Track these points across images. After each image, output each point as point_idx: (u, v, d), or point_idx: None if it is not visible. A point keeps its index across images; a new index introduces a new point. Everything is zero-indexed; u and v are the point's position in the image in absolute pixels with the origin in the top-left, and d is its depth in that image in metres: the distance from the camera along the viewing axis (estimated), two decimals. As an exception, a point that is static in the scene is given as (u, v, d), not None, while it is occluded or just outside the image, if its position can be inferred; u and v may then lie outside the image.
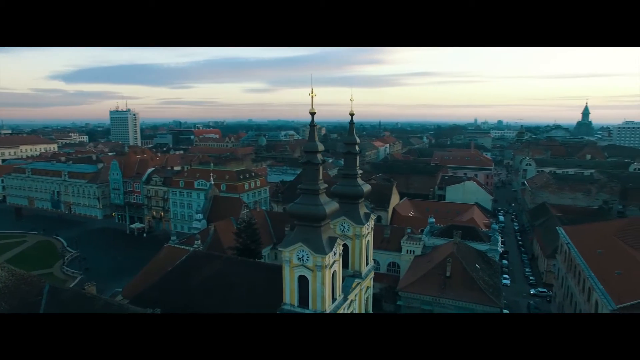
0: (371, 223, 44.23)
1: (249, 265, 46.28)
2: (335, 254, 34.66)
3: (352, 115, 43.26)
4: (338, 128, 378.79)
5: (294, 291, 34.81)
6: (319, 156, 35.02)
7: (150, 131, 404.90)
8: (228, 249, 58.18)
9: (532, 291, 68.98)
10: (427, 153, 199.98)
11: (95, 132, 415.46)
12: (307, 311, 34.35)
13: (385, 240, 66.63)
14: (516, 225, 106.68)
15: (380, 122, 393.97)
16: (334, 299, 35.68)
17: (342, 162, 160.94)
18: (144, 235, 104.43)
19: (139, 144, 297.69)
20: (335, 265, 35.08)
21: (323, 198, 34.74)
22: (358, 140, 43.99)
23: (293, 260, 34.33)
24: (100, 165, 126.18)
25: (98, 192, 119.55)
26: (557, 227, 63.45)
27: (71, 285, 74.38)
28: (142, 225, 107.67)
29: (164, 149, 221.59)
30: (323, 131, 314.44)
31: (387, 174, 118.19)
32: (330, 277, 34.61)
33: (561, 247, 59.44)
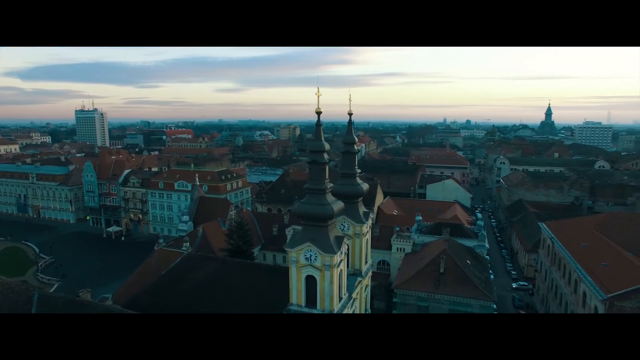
0: (369, 222, 44.66)
1: (246, 266, 45.70)
2: (342, 253, 34.79)
3: (350, 114, 43.55)
4: (310, 128, 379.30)
5: (301, 291, 34.67)
6: (325, 155, 35.06)
7: (118, 131, 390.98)
8: (220, 250, 57.17)
9: (514, 285, 71.59)
10: (403, 152, 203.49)
11: (58, 133, 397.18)
12: (314, 311, 34.29)
13: (375, 238, 67.28)
14: (493, 222, 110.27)
15: (353, 121, 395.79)
16: (340, 298, 35.80)
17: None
18: (122, 238, 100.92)
19: (107, 144, 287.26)
20: (341, 264, 35.21)
21: (329, 197, 34.80)
22: (356, 139, 44.34)
23: (300, 261, 34.18)
24: (71, 167, 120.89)
25: (70, 194, 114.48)
26: (539, 223, 66.15)
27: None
28: (119, 228, 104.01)
29: (136, 149, 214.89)
30: (297, 131, 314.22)
31: (367, 173, 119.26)
32: (338, 277, 34.72)
33: (543, 242, 62.00)
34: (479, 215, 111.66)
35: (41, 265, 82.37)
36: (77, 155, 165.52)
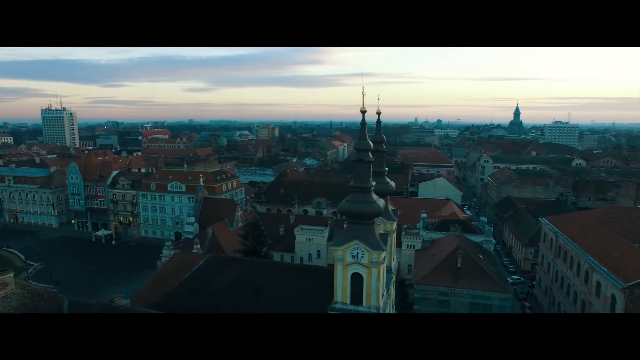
0: (396, 219, 45.55)
1: (275, 267, 45.45)
2: (386, 250, 35.38)
3: (379, 113, 43.61)
4: (284, 128, 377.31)
5: (347, 289, 34.99)
6: (370, 154, 35.51)
7: (86, 132, 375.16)
8: (235, 251, 56.43)
9: (509, 279, 74.44)
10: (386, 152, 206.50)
11: (19, 133, 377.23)
12: (360, 308, 34.69)
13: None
14: (483, 218, 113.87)
15: (331, 121, 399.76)
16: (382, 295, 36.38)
17: (306, 161, 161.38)
18: (113, 242, 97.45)
19: (77, 145, 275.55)
20: (385, 261, 35.81)
21: (373, 195, 35.29)
22: (372, 144, 44.68)
23: (346, 258, 34.48)
24: (52, 169, 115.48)
25: (53, 197, 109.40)
26: (538, 218, 69.17)
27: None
28: (108, 231, 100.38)
29: (112, 150, 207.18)
30: (276, 131, 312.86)
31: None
32: (382, 273, 35.29)
33: (545, 236, 64.92)
34: (467, 212, 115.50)
35: (30, 272, 78.42)
36: (49, 156, 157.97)
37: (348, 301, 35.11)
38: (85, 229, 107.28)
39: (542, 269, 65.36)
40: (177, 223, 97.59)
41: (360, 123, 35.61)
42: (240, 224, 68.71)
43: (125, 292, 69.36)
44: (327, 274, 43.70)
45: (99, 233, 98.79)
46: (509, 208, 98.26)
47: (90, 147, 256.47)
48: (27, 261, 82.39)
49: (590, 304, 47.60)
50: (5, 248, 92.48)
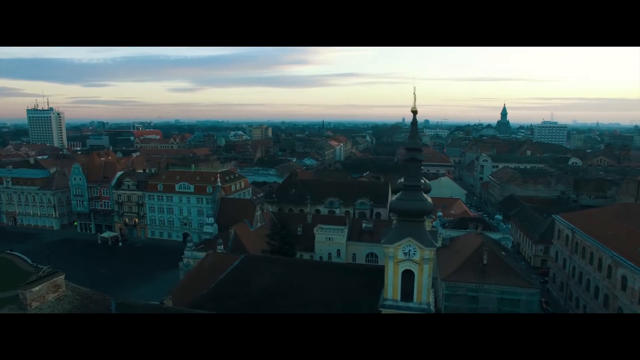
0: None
1: (314, 266, 45.68)
2: (437, 247, 36.06)
3: (415, 112, 42.84)
4: (274, 128, 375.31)
5: (397, 286, 35.51)
6: (421, 154, 36.12)
7: (71, 132, 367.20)
8: (263, 251, 56.40)
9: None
10: (381, 151, 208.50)
11: (0, 133, 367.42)
12: (411, 304, 35.24)
13: (402, 234, 69.22)
14: (485, 216, 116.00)
15: (323, 121, 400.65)
16: (429, 291, 37.01)
17: (306, 161, 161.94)
18: (120, 244, 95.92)
19: (66, 145, 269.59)
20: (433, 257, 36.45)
21: (423, 194, 35.91)
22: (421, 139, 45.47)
23: (398, 256, 35.02)
24: (52, 170, 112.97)
25: (54, 199, 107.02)
26: (551, 215, 70.92)
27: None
28: (114, 233, 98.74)
29: (105, 151, 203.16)
30: (269, 132, 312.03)
31: (371, 172, 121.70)
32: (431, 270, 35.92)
33: (559, 233, 66.65)
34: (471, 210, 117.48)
35: (41, 276, 76.56)
36: (40, 157, 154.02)
37: (399, 298, 35.64)
38: (88, 231, 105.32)
39: (557, 265, 67.04)
40: (185, 224, 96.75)
41: (411, 123, 36.22)
42: (259, 224, 68.56)
43: (140, 294, 68.92)
44: (369, 272, 44.30)
45: (105, 235, 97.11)
46: (513, 206, 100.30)
47: (79, 148, 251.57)
48: (37, 265, 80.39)
49: (614, 298, 49.15)
50: (8, 251, 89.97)
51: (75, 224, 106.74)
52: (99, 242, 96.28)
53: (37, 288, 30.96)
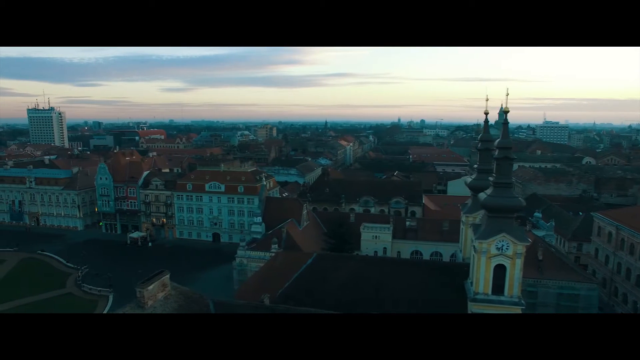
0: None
1: (391, 263, 46.34)
2: (529, 242, 37.10)
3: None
4: (279, 129, 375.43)
5: (489, 280, 36.46)
6: (512, 153, 37.11)
7: (69, 132, 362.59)
8: (322, 249, 57.01)
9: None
10: (390, 151, 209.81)
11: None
12: (502, 298, 36.21)
13: (445, 232, 70.28)
14: (537, 214, 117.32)
15: (326, 122, 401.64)
16: (516, 286, 37.97)
17: (321, 161, 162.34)
18: (149, 244, 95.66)
19: (67, 145, 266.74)
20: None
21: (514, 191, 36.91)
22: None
23: (491, 251, 35.98)
24: (74, 170, 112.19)
25: (78, 199, 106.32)
26: (591, 213, 72.57)
27: (108, 305, 66.58)
28: (142, 233, 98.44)
29: (129, 150, 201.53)
30: (274, 131, 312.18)
31: (390, 170, 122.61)
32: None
33: (599, 230, 68.28)
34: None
35: (80, 276, 76.34)
36: (49, 157, 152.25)
37: (489, 292, 36.60)
38: (113, 232, 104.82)
39: (598, 262, 68.63)
40: (216, 224, 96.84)
41: (502, 123, 37.27)
42: (305, 222, 69.14)
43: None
44: (451, 269, 45.12)
45: (134, 235, 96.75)
46: (538, 204, 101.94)
47: (80, 148, 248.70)
48: (75, 265, 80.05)
49: (671, 292, 50.70)
50: (39, 252, 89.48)
51: (101, 224, 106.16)
52: (128, 242, 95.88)
53: (151, 287, 31.48)
